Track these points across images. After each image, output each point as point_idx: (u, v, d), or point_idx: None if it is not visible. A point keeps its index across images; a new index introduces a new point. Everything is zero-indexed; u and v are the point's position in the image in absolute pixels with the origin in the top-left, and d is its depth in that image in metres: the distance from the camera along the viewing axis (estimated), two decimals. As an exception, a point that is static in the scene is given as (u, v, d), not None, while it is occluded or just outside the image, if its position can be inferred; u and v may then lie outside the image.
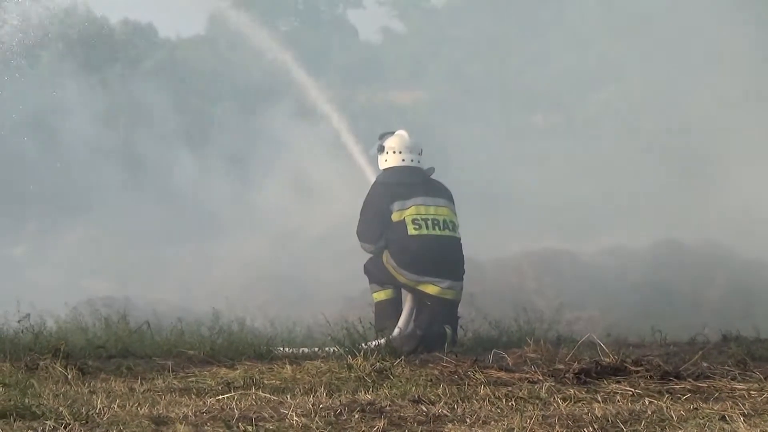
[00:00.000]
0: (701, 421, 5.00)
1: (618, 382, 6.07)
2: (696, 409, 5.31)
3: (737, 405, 5.36)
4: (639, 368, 6.27)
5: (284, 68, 13.46)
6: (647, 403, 5.49)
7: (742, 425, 4.89)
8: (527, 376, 6.37)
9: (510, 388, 5.99)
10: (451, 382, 6.29)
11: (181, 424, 5.05)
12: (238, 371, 6.99)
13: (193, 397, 5.97)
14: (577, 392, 5.78)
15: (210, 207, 25.07)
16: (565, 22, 32.47)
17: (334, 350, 8.03)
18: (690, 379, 6.15)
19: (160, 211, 24.48)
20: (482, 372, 6.53)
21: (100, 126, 27.57)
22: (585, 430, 4.90)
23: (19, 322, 8.61)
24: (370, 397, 5.80)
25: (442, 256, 9.08)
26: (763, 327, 9.61)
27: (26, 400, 5.53)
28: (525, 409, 5.40)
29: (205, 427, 5.02)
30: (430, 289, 9.01)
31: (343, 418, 5.20)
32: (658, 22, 28.23)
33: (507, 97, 30.88)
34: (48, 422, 4.99)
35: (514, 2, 34.04)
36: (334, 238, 19.90)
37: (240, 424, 5.04)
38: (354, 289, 15.59)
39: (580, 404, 5.50)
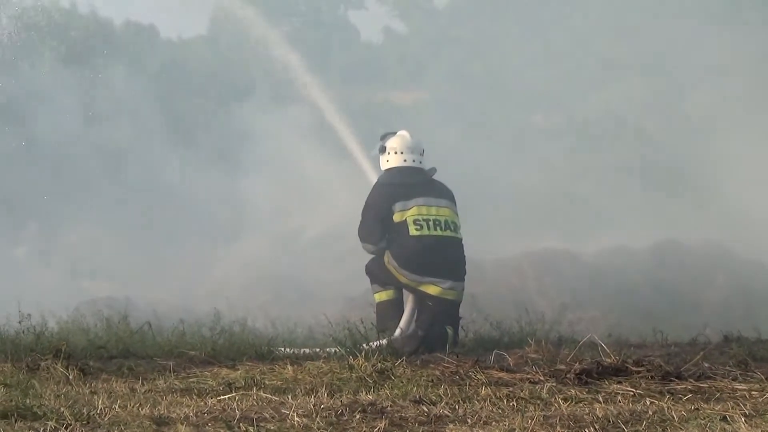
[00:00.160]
0: (702, 422, 5.00)
1: (619, 382, 6.07)
2: (697, 409, 5.31)
3: (738, 405, 5.36)
4: (640, 369, 6.27)
5: (284, 69, 13.47)
6: (648, 403, 5.49)
7: (743, 426, 4.89)
8: (528, 376, 6.37)
9: (511, 389, 5.99)
10: (453, 383, 6.29)
11: (182, 424, 5.05)
12: (240, 372, 6.99)
13: (195, 397, 5.97)
14: (578, 393, 5.78)
15: (210, 207, 25.09)
16: (565, 22, 32.47)
17: (335, 351, 8.03)
18: (691, 380, 6.15)
19: (161, 212, 24.49)
20: (483, 372, 6.53)
21: (101, 127, 27.58)
22: (586, 430, 4.91)
23: (20, 322, 8.61)
24: (371, 397, 5.80)
25: (444, 256, 9.08)
26: (764, 328, 9.62)
27: (27, 401, 5.53)
28: (526, 409, 5.40)
29: (207, 428, 5.02)
30: (432, 290, 9.01)
31: (345, 418, 5.20)
32: (658, 22, 28.25)
33: (507, 97, 30.86)
34: (49, 423, 4.99)
35: (514, 2, 34.05)
36: (334, 238, 19.93)
37: (241, 424, 5.04)
38: (355, 290, 15.61)
39: (581, 405, 5.50)
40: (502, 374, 6.50)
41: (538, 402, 5.58)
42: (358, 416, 5.22)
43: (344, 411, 5.32)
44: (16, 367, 6.98)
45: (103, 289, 19.70)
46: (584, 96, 31.10)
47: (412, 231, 9.08)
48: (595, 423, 4.98)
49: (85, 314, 12.40)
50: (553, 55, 32.37)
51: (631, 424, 4.98)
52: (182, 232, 23.95)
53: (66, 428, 4.97)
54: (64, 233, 24.65)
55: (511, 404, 5.54)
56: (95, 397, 5.92)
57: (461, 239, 9.30)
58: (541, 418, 5.09)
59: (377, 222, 9.18)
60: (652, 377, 6.16)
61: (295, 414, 5.20)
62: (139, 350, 8.34)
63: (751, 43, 25.30)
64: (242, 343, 8.47)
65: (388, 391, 6.00)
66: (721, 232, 20.13)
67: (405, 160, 9.36)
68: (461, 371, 6.59)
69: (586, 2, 32.22)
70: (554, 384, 6.07)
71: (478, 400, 5.68)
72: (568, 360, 6.69)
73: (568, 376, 6.24)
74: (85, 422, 5.10)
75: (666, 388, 5.92)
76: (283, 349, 8.47)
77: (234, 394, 5.98)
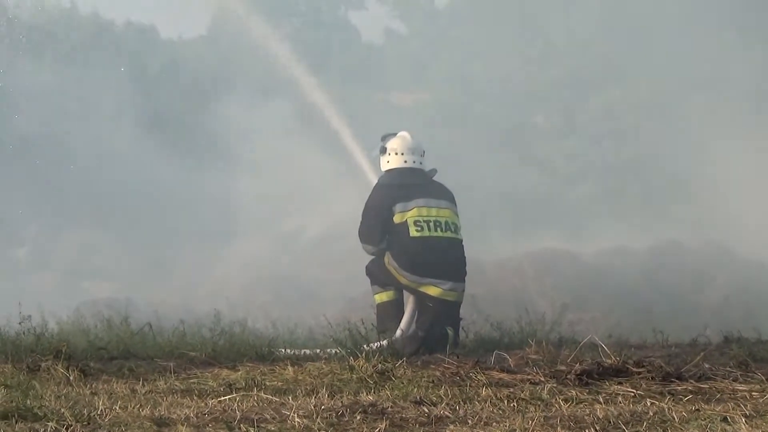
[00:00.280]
0: (703, 423, 5.00)
1: (620, 383, 6.07)
2: (698, 410, 5.31)
3: (739, 406, 5.36)
4: (641, 369, 6.26)
5: (285, 69, 13.47)
6: (649, 404, 5.49)
7: (743, 426, 4.89)
8: (529, 377, 6.37)
9: (512, 390, 5.99)
10: (453, 384, 6.28)
11: (182, 425, 5.05)
12: (240, 372, 6.99)
13: (195, 398, 5.97)
14: (578, 393, 5.78)
15: (210, 208, 25.09)
16: (565, 22, 32.49)
17: (335, 351, 8.03)
18: (692, 381, 6.14)
19: (162, 213, 24.50)
20: (484, 373, 6.53)
21: (101, 127, 27.58)
22: (586, 431, 4.91)
23: (20, 323, 8.60)
24: (371, 398, 5.80)
25: (444, 257, 9.07)
26: (764, 328, 9.62)
27: (28, 402, 5.53)
28: (527, 410, 5.40)
29: (207, 429, 5.02)
30: (432, 291, 9.00)
31: (345, 419, 5.20)
32: (658, 24, 28.25)
33: (507, 97, 30.89)
34: (50, 424, 4.99)
35: (514, 3, 34.06)
36: (334, 238, 19.93)
37: (242, 425, 5.04)
38: (355, 291, 15.62)
39: (581, 405, 5.50)
40: (503, 375, 6.49)
41: (539, 403, 5.58)
42: (358, 417, 5.22)
43: (345, 412, 5.32)
44: (16, 368, 6.98)
45: (104, 290, 19.74)
46: (584, 96, 31.14)
47: (413, 232, 9.07)
48: (596, 424, 4.98)
49: (85, 315, 12.42)
50: (553, 55, 32.40)
51: (632, 424, 4.98)
52: (183, 232, 23.97)
53: (67, 429, 4.97)
54: (65, 235, 24.66)
55: (511, 405, 5.54)
56: (96, 398, 5.92)
57: (461, 240, 9.29)
58: (542, 419, 5.09)
59: (377, 223, 9.17)
60: (652, 378, 6.16)
61: (295, 415, 5.20)
62: (140, 351, 8.33)
63: (752, 47, 25.32)
64: (243, 344, 8.46)
65: (388, 392, 6.00)
66: (721, 232, 20.15)
67: (405, 161, 9.35)
68: (462, 372, 6.59)
69: (586, 2, 32.25)
70: (555, 385, 6.06)
71: (478, 401, 5.68)
72: (568, 361, 6.68)
73: (568, 376, 6.24)
74: (85, 423, 5.10)
75: (666, 388, 5.92)
76: (283, 350, 8.46)
77: (234, 395, 5.97)
